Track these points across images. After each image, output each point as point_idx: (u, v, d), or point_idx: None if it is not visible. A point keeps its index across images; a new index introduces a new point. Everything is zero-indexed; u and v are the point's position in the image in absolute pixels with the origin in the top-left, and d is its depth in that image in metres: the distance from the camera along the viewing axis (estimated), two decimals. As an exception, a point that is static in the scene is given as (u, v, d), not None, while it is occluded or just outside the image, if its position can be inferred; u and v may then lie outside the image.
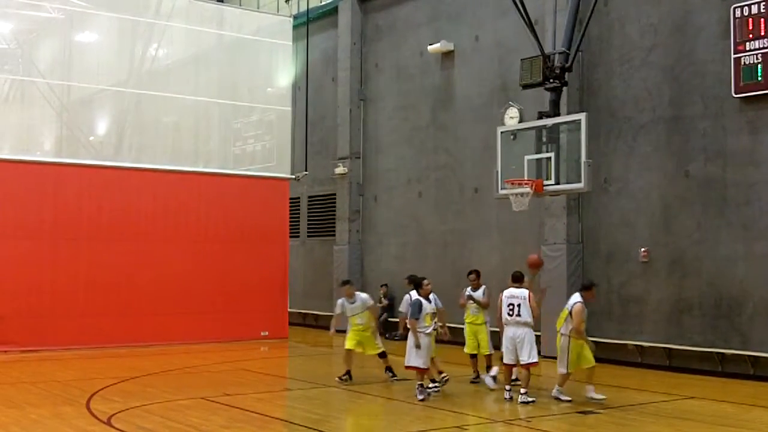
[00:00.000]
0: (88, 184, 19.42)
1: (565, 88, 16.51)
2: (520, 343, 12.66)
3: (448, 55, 21.33)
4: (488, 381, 14.01)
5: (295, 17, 23.92)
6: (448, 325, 14.38)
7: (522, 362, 12.69)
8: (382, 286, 22.55)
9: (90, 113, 21.36)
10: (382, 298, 22.35)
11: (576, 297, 12.90)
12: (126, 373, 14.83)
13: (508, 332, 12.80)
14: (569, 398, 12.69)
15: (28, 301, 18.19)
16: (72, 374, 14.19)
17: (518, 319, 12.70)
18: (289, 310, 22.42)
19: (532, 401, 12.43)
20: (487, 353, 14.40)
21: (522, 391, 12.53)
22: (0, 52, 19.78)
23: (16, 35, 20.03)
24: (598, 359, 17.05)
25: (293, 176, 22.73)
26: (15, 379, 14.73)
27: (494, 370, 14.07)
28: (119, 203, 19.67)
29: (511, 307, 12.73)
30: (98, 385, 13.40)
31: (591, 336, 17.51)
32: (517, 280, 13.02)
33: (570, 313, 12.73)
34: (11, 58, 19.87)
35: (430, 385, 13.27)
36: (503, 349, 12.88)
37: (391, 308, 22.19)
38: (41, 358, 17.08)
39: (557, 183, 15.26)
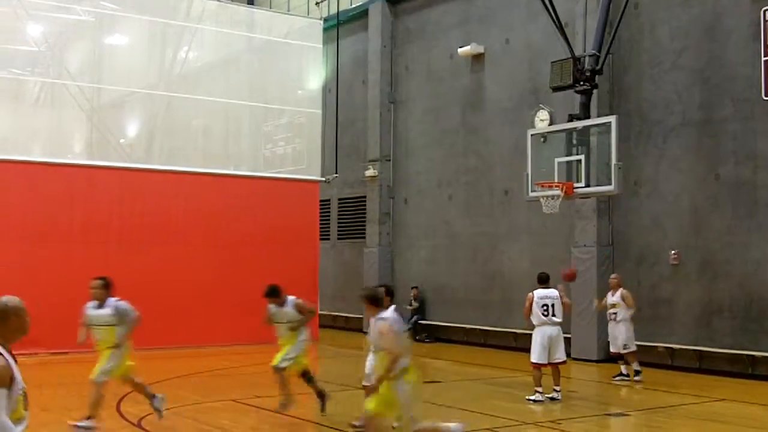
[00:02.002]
0: (118, 186, 19.51)
1: (595, 91, 16.50)
2: (555, 342, 12.86)
3: (478, 57, 21.32)
4: None
5: (326, 20, 23.99)
6: None
7: (558, 360, 12.95)
8: (413, 288, 22.58)
9: (120, 116, 21.48)
10: (413, 301, 22.38)
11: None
12: (156, 375, 14.87)
13: (545, 331, 12.90)
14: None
15: (58, 303, 18.30)
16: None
17: (554, 318, 12.91)
18: (319, 312, 22.47)
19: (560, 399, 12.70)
20: None
21: (558, 388, 12.77)
22: (31, 55, 19.89)
23: (47, 38, 20.15)
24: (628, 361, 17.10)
25: (323, 179, 22.80)
26: (44, 381, 14.83)
27: None
28: (149, 206, 19.74)
29: (545, 307, 12.85)
30: (128, 388, 13.50)
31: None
32: (544, 281, 13.14)
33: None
34: (42, 60, 19.98)
35: None
36: (536, 348, 12.94)
37: (422, 311, 22.24)
38: (70, 360, 17.16)
39: (587, 185, 15.26)
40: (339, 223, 26.22)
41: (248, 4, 28.65)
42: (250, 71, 22.54)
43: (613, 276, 15.52)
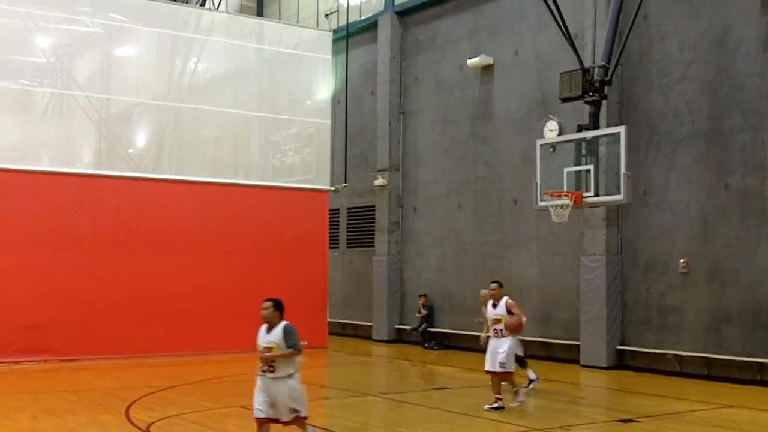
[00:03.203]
0: (127, 196, 19.58)
1: (604, 102, 16.53)
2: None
3: (487, 68, 21.41)
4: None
5: (335, 31, 24.12)
6: None
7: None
8: (421, 296, 22.65)
9: (129, 126, 21.54)
10: (421, 308, 22.46)
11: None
12: (164, 381, 14.99)
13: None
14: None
15: (67, 311, 18.38)
16: (110, 383, 14.38)
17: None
18: (328, 320, 22.56)
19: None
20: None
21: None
22: (39, 66, 19.97)
23: (56, 49, 20.25)
24: (637, 368, 17.14)
25: (333, 188, 22.89)
26: (54, 388, 14.93)
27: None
28: (158, 215, 19.82)
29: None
30: (137, 394, 13.56)
31: (631, 346, 17.63)
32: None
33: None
34: (51, 72, 20.08)
35: None
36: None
37: (430, 318, 22.31)
38: (79, 367, 17.27)
39: (596, 195, 15.29)
40: (348, 231, 26.30)
41: (258, 16, 28.84)
42: (260, 82, 22.66)
43: (492, 285, 13.09)
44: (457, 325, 21.70)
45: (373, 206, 24.71)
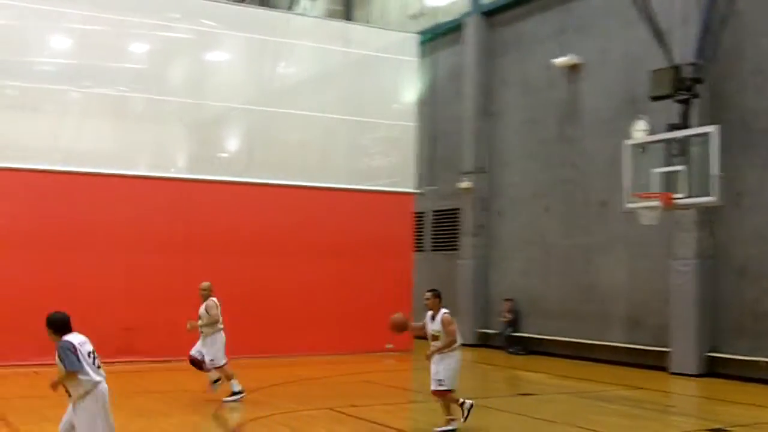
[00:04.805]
0: (219, 199, 19.94)
1: (695, 100, 16.15)
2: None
3: (574, 68, 21.11)
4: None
5: (421, 34, 24.11)
6: None
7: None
8: (506, 300, 22.44)
9: (220, 131, 21.94)
10: (506, 313, 22.24)
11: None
12: (252, 383, 15.14)
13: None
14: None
15: (159, 313, 18.77)
16: (200, 384, 14.56)
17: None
18: (414, 323, 22.49)
19: None
20: None
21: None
22: (134, 72, 20.46)
23: (150, 56, 20.81)
24: (729, 376, 16.65)
25: (418, 191, 22.87)
26: (146, 389, 15.25)
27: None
28: (248, 218, 20.10)
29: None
30: (225, 395, 13.75)
31: (723, 353, 17.13)
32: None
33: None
34: (145, 78, 20.54)
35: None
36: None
37: (515, 323, 22.08)
38: (170, 369, 17.58)
39: (688, 196, 14.93)
40: (433, 234, 26.25)
41: (345, 19, 29.00)
42: (346, 85, 22.76)
43: (426, 294, 11.67)
44: (542, 331, 21.45)
45: (459, 209, 24.60)
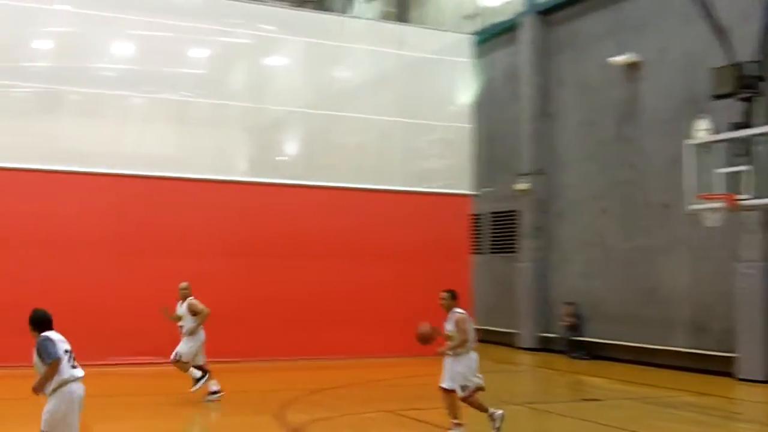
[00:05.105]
0: (279, 202, 20.12)
1: (758, 98, 15.84)
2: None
3: (632, 66, 20.83)
4: None
5: (476, 34, 23.99)
6: None
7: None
8: (566, 304, 22.18)
9: (279, 134, 22.18)
10: (566, 317, 22.00)
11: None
12: (315, 384, 15.23)
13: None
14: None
15: (226, 315, 18.92)
16: (264, 385, 14.73)
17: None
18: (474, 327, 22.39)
19: None
20: None
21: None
22: (196, 78, 20.76)
23: (210, 61, 21.08)
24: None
25: (475, 193, 22.78)
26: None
27: None
28: (308, 221, 20.21)
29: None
30: (288, 396, 13.82)
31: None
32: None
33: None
34: (205, 82, 20.84)
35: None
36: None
37: (577, 327, 21.80)
38: (234, 369, 17.69)
39: (752, 197, 14.63)
40: (491, 237, 26.11)
41: (399, 21, 29.00)
42: (401, 87, 22.76)
43: (441, 295, 11.45)
44: (604, 335, 21.14)
45: (516, 211, 24.43)
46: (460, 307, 11.27)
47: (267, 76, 21.91)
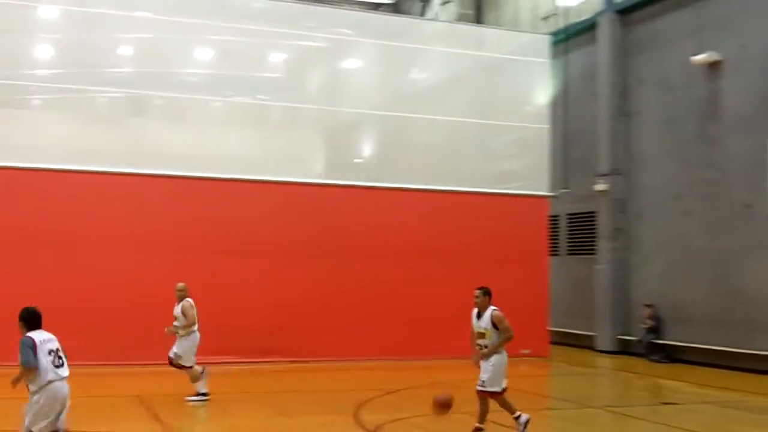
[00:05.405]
0: (354, 204, 20.26)
1: None
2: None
3: (714, 65, 20.43)
4: None
5: (553, 34, 23.81)
6: None
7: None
8: (646, 306, 21.86)
9: (355, 136, 22.31)
10: (646, 320, 21.66)
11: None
12: (391, 385, 15.27)
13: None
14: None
15: (298, 315, 19.17)
16: (339, 385, 14.81)
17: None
18: (550, 328, 22.27)
19: None
20: None
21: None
22: (273, 81, 21.07)
23: (287, 64, 21.37)
24: None
25: (552, 194, 22.60)
26: (285, 388, 15.57)
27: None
28: (384, 222, 20.31)
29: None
30: (363, 396, 13.88)
31: None
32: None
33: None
34: (283, 86, 21.12)
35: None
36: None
37: (657, 329, 21.45)
38: (307, 369, 17.89)
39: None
40: (568, 238, 25.86)
41: (476, 23, 28.95)
42: (478, 88, 22.68)
43: (476, 292, 11.48)
44: (684, 338, 20.75)
45: (595, 212, 24.15)
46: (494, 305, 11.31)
47: (342, 78, 22.11)
